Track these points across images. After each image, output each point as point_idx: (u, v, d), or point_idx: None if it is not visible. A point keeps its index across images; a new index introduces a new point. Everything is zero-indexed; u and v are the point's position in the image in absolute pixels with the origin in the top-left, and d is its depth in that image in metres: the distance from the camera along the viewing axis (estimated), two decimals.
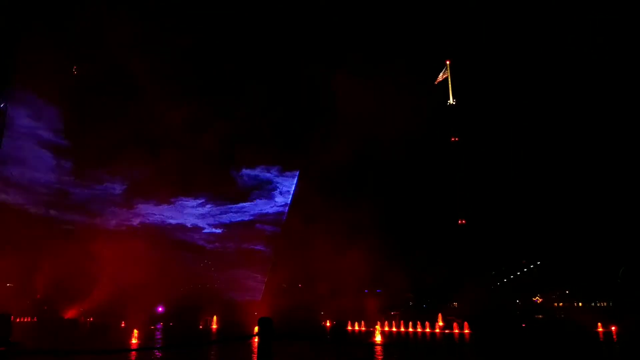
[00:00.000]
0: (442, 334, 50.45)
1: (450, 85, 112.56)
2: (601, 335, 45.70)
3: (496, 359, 30.79)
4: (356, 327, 56.37)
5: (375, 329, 48.03)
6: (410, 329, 54.34)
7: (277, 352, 9.13)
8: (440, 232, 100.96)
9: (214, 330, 59.78)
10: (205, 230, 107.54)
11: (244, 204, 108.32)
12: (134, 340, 36.34)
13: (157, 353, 29.27)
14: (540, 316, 75.12)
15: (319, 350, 30.91)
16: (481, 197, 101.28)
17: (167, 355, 28.51)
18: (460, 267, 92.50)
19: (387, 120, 79.56)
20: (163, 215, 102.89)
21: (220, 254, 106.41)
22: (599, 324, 50.74)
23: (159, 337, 47.35)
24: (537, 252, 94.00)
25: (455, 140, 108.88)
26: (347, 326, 57.63)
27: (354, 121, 79.67)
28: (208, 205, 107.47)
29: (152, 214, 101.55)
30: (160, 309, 79.46)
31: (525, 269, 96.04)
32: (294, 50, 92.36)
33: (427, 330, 53.42)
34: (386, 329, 53.86)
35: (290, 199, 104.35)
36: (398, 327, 55.90)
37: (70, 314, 75.85)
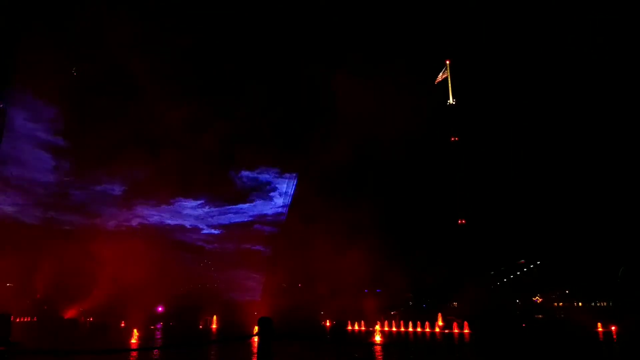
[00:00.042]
0: (442, 333, 50.44)
1: (450, 85, 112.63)
2: (601, 335, 45.70)
3: (496, 359, 30.79)
4: (356, 327, 56.36)
5: (375, 328, 48.03)
6: (410, 329, 54.32)
7: (277, 352, 9.14)
8: (440, 232, 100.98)
9: (213, 330, 59.80)
10: (204, 231, 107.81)
11: (243, 205, 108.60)
12: (133, 340, 36.35)
13: (157, 353, 29.26)
14: (540, 316, 75.11)
15: (319, 350, 30.91)
16: (481, 197, 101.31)
17: (167, 355, 28.50)
18: (460, 267, 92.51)
19: (387, 120, 79.55)
20: (162, 215, 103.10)
21: (220, 255, 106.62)
22: (599, 324, 50.72)
23: (158, 337, 47.35)
24: (537, 252, 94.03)
25: (455, 140, 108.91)
26: (347, 326, 57.61)
27: (354, 121, 79.68)
28: (207, 206, 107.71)
29: (152, 214, 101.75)
30: (160, 308, 79.48)
31: (525, 269, 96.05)
32: (294, 51, 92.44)
33: (427, 330, 53.39)
34: (386, 328, 53.84)
35: (289, 200, 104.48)
36: (398, 327, 55.89)
37: (70, 313, 75.82)
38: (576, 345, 38.15)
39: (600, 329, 49.98)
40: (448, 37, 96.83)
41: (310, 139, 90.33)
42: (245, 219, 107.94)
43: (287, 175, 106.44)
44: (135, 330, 38.62)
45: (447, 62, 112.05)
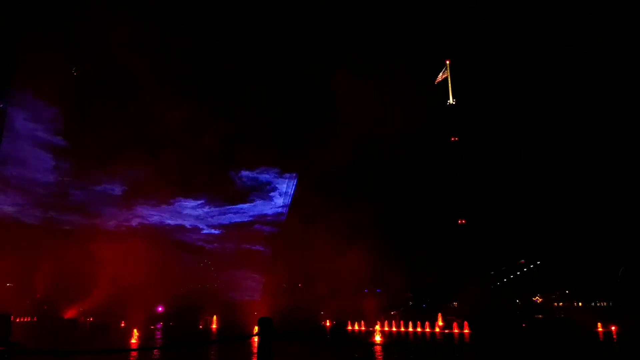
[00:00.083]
0: (442, 333, 50.44)
1: (450, 85, 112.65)
2: (601, 335, 45.69)
3: (496, 359, 30.79)
4: (356, 327, 56.36)
5: (375, 328, 48.02)
6: (410, 329, 54.32)
7: (277, 352, 9.13)
8: (440, 232, 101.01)
9: (213, 330, 59.81)
10: (204, 231, 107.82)
11: (243, 205, 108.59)
12: (133, 340, 36.35)
13: (157, 353, 29.25)
14: (540, 316, 75.11)
15: (319, 350, 30.91)
16: (481, 197, 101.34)
17: (167, 355, 28.50)
18: (460, 267, 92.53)
19: (387, 120, 79.54)
20: (162, 215, 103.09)
21: (220, 255, 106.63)
22: (599, 323, 50.72)
23: (158, 337, 47.34)
24: (537, 252, 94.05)
25: (455, 140, 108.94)
26: (347, 326, 57.61)
27: (354, 121, 79.67)
28: (207, 207, 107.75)
29: (152, 214, 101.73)
30: (160, 308, 79.48)
31: (525, 269, 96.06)
32: (294, 51, 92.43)
33: (427, 330, 53.39)
34: (386, 328, 53.85)
35: (289, 200, 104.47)
36: (398, 327, 55.89)
37: (70, 313, 75.83)
38: (576, 345, 38.14)
39: (600, 329, 49.99)
40: (448, 37, 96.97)
41: (310, 139, 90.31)
42: (245, 219, 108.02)
43: (287, 175, 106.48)
44: (135, 330, 38.62)
45: (447, 62, 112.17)
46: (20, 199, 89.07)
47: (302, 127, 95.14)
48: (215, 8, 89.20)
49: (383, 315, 62.68)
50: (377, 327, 47.95)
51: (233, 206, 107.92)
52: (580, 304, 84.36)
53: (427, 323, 54.47)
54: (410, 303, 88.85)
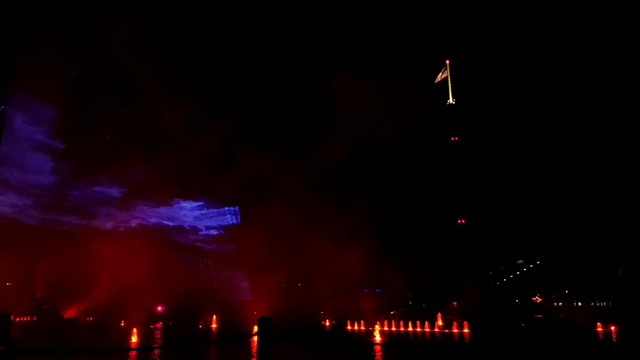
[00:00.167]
0: (442, 333, 50.42)
1: (450, 85, 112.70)
2: (601, 335, 45.68)
3: (496, 359, 30.80)
4: (356, 327, 56.33)
5: (374, 328, 48.01)
6: (410, 329, 54.32)
7: (276, 351, 9.14)
8: (440, 232, 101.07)
9: (213, 329, 59.75)
10: (203, 232, 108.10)
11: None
12: (133, 340, 36.34)
13: (157, 353, 29.25)
14: (540, 316, 75.05)
15: (319, 349, 30.91)
16: (481, 197, 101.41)
17: (167, 355, 28.49)
18: (460, 267, 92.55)
19: (387, 120, 79.59)
20: (161, 216, 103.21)
21: (219, 255, 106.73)
22: (599, 323, 50.69)
23: (158, 336, 47.32)
24: (537, 252, 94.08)
25: (455, 140, 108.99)
26: (346, 326, 57.56)
27: (354, 121, 79.70)
28: (206, 208, 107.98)
29: (151, 215, 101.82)
30: (159, 308, 79.47)
31: (525, 269, 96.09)
32: (294, 50, 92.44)
33: (427, 330, 53.38)
34: (385, 328, 53.85)
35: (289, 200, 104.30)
36: (397, 326, 55.88)
37: (69, 313, 75.78)
38: (576, 345, 38.15)
39: (600, 329, 49.97)
40: (448, 37, 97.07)
41: (310, 138, 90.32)
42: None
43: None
44: (135, 330, 38.60)
45: (447, 62, 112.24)
46: (20, 200, 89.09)
47: (302, 127, 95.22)
48: (215, 8, 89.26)
49: (383, 315, 62.65)
50: (377, 327, 47.92)
51: (233, 207, 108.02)
52: (579, 303, 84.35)
53: (426, 323, 54.43)
54: (410, 303, 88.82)
